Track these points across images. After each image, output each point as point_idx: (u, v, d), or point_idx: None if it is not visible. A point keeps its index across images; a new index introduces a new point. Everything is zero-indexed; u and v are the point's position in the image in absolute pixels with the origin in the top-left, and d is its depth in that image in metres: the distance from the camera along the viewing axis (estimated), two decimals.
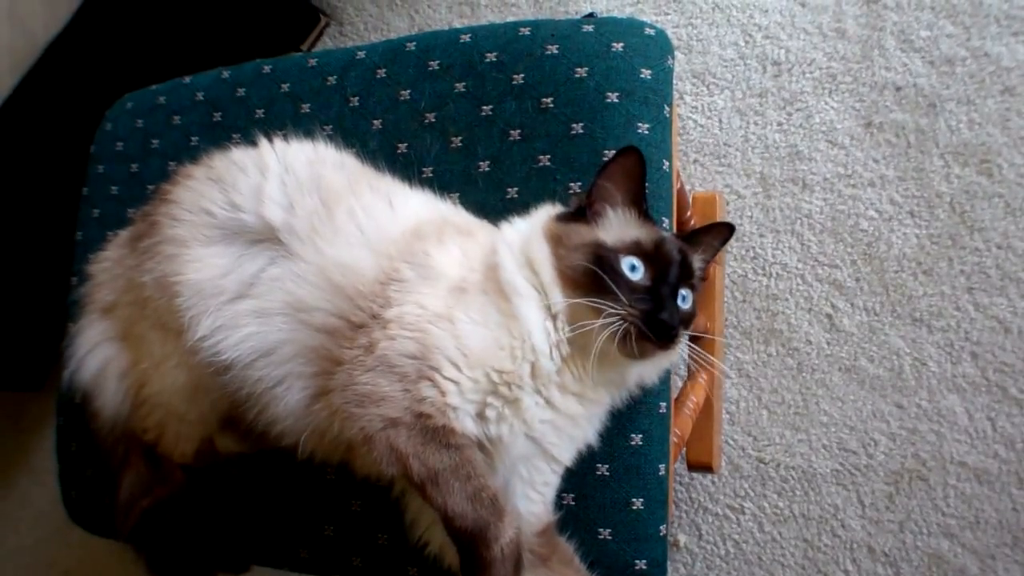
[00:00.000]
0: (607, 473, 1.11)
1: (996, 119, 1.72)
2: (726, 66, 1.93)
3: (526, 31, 1.24)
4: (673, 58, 1.21)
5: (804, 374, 1.74)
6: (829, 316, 1.75)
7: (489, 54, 1.24)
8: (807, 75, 1.87)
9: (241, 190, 1.11)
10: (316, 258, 1.04)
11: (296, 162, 1.13)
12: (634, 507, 1.09)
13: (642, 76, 1.16)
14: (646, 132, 1.16)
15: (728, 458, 1.76)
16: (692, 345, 1.08)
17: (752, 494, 1.74)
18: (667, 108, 1.19)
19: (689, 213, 1.47)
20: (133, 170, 1.49)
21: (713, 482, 1.76)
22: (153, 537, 1.21)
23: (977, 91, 1.74)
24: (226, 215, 1.11)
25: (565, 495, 1.11)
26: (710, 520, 1.76)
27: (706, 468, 1.63)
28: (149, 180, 1.45)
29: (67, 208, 1.89)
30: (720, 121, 1.90)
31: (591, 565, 1.10)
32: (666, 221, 1.15)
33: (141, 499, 1.21)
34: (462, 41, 1.27)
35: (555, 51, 1.20)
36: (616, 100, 1.16)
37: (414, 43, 1.29)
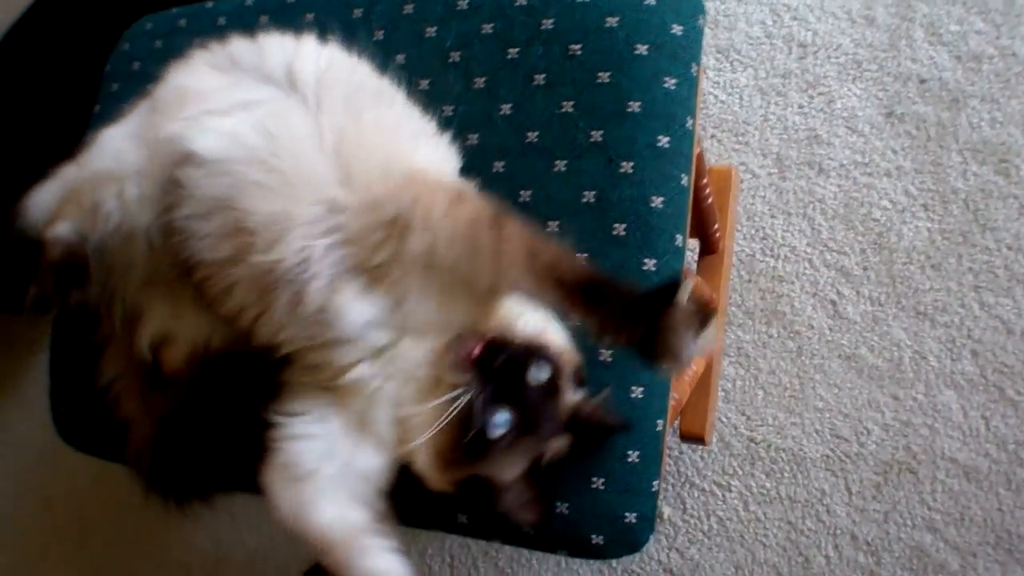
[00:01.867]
0: None
1: (1019, 119, 1.74)
2: (751, 44, 1.94)
3: None
4: (704, 18, 1.23)
5: (803, 358, 1.76)
6: (833, 302, 1.77)
7: None
8: (832, 60, 1.88)
9: (273, 53, 1.13)
10: (332, 129, 1.05)
11: (336, 55, 1.15)
12: (629, 459, 1.11)
13: (672, 31, 1.18)
14: (672, 87, 1.17)
15: (719, 435, 1.78)
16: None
17: (740, 473, 1.76)
18: (695, 66, 1.20)
19: (705, 181, 1.48)
20: (148, 91, 1.50)
21: (702, 457, 1.78)
22: (158, 455, 1.23)
23: (1002, 90, 1.76)
24: (251, 60, 1.13)
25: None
26: (696, 495, 1.78)
27: (698, 439, 1.65)
28: None
29: (75, 128, 1.90)
30: (741, 98, 1.92)
31: (581, 514, 1.12)
32: (685, 177, 1.16)
33: (143, 417, 1.23)
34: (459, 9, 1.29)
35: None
36: (645, 52, 1.18)
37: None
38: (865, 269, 1.77)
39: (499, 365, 0.97)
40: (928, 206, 1.76)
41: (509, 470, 1.03)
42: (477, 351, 0.97)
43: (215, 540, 2.17)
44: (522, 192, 1.19)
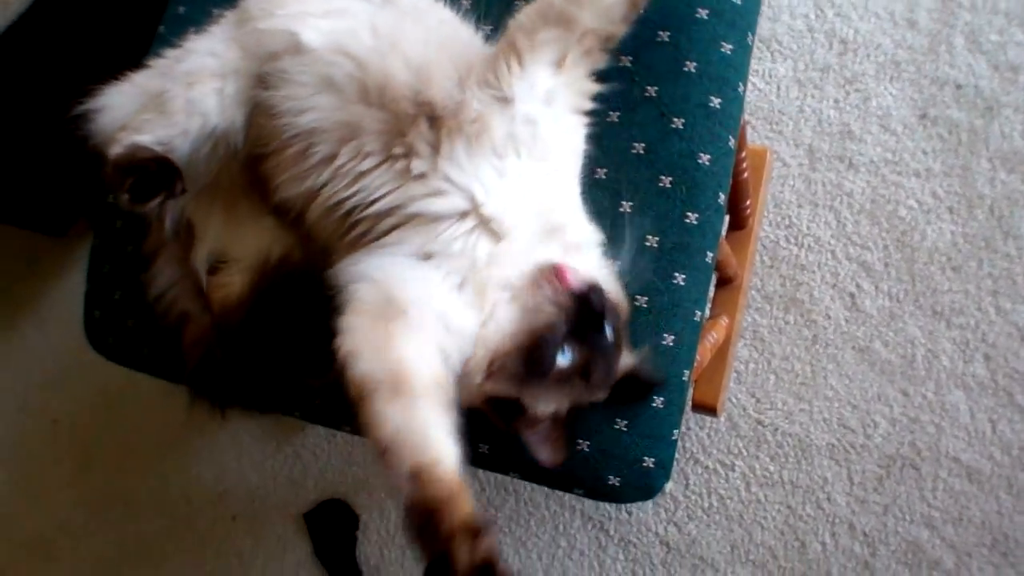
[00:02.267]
0: (645, 305, 1.16)
1: None
2: (793, 36, 1.97)
3: None
4: (753, 36, 1.26)
5: (817, 346, 1.79)
6: (852, 295, 1.80)
7: None
8: (871, 58, 1.92)
9: None
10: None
11: None
12: (654, 404, 1.14)
13: (723, 49, 1.22)
14: (728, 52, 1.21)
15: (728, 415, 1.81)
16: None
17: (745, 454, 1.79)
18: (750, 35, 1.24)
19: (743, 155, 1.51)
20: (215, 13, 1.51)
21: (708, 436, 1.81)
22: (209, 355, 1.25)
23: None
24: None
25: None
26: (699, 472, 1.81)
27: (711, 410, 1.68)
28: None
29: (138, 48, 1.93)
30: (778, 88, 1.95)
31: (601, 453, 1.15)
32: (732, 139, 1.19)
33: (202, 314, 1.25)
34: None
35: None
36: (705, 16, 1.21)
37: None
38: (886, 265, 1.80)
39: (593, 308, 1.01)
40: (953, 209, 1.79)
41: (548, 405, 1.06)
42: (579, 286, 1.01)
43: (218, 474, 2.19)
44: None
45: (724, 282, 1.69)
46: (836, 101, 1.92)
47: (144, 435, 2.28)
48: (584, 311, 1.01)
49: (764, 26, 1.99)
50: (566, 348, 1.02)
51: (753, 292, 1.85)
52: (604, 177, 1.19)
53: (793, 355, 1.81)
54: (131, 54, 1.65)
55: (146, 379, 1.47)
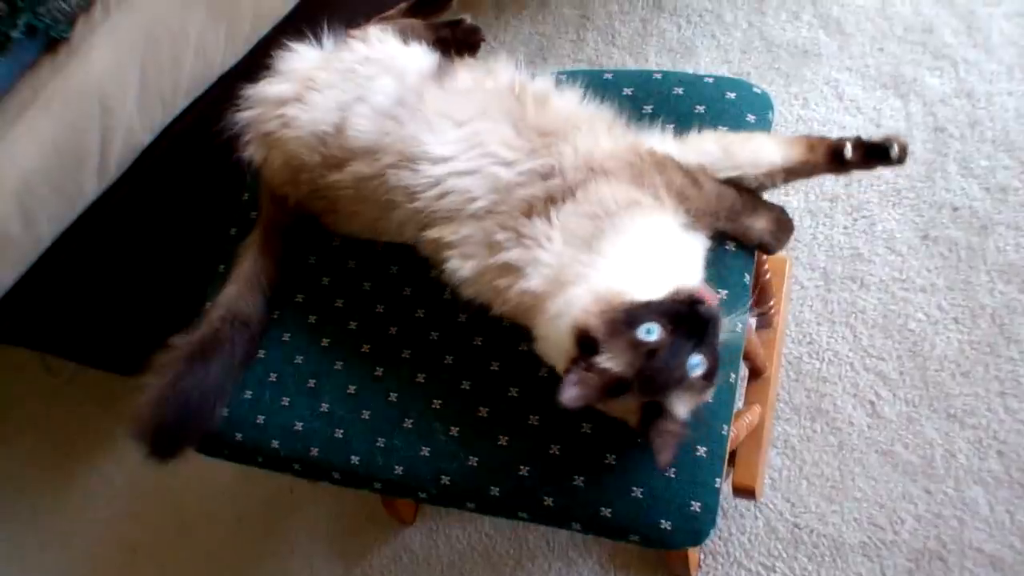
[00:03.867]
0: None
1: None
2: None
3: (658, 76, 1.59)
4: (773, 113, 1.54)
5: (844, 452, 2.01)
6: (872, 403, 2.02)
7: (627, 89, 1.58)
8: (875, 187, 2.18)
9: None
10: None
11: None
12: (697, 453, 1.34)
13: (748, 119, 1.50)
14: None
15: (766, 520, 2.02)
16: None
17: (784, 555, 1.99)
18: None
19: (764, 258, 1.76)
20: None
21: (750, 540, 2.02)
22: None
23: None
24: None
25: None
26: (743, 575, 2.02)
27: (749, 493, 1.89)
28: None
29: (209, 211, 2.24)
30: (793, 219, 2.21)
31: (653, 499, 1.35)
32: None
33: None
34: (605, 78, 1.61)
35: (680, 92, 1.55)
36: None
37: (564, 75, 1.58)
38: (901, 374, 2.02)
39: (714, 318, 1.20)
40: (959, 320, 2.02)
41: (686, 408, 1.24)
42: (709, 300, 1.22)
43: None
44: None
45: (755, 375, 1.97)
46: (845, 227, 2.18)
47: (220, 560, 2.53)
48: (703, 323, 1.19)
49: None
50: (697, 355, 1.18)
51: (781, 404, 2.08)
52: None
53: (822, 461, 2.02)
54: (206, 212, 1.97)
55: (220, 505, 1.72)
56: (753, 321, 2.03)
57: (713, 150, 1.39)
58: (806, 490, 2.02)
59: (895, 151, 1.35)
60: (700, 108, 1.53)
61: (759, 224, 1.42)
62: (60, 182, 2.07)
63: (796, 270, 2.17)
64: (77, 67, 2.03)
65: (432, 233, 1.41)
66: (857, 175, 2.21)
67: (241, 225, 1.83)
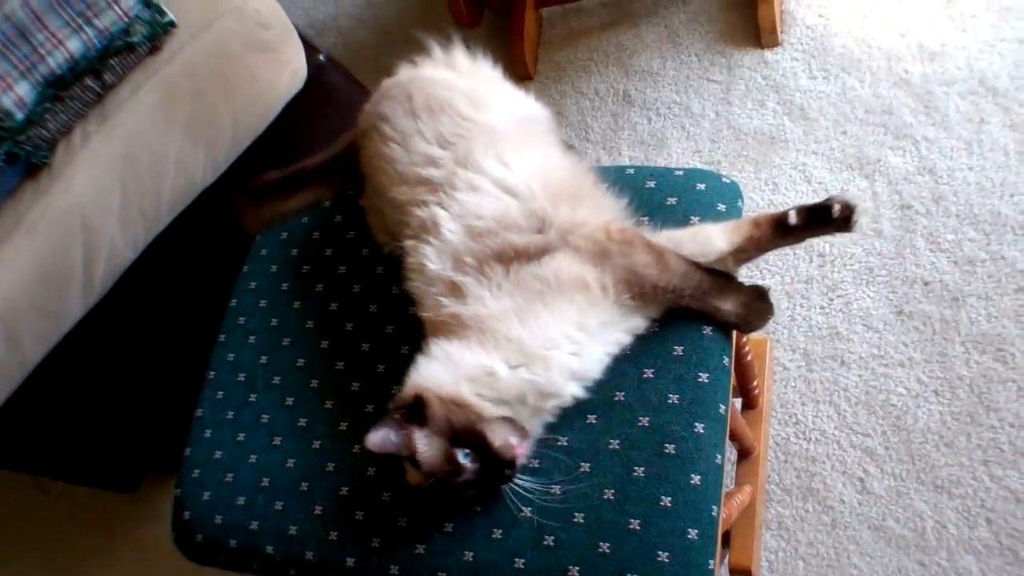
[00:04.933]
0: (669, 504, 1.39)
1: (1011, 314, 2.10)
2: (776, 254, 2.35)
3: (631, 171, 1.68)
4: (743, 200, 1.63)
5: (837, 530, 2.06)
6: (861, 479, 2.08)
7: (602, 185, 1.64)
8: (848, 267, 2.28)
9: None
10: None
11: None
12: (689, 536, 1.37)
13: (719, 208, 1.58)
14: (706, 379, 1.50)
15: None
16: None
17: None
18: (727, 359, 1.55)
19: (745, 340, 1.84)
20: (283, 288, 1.88)
21: None
22: None
23: (995, 289, 2.13)
24: None
25: (631, 520, 1.40)
26: None
27: (745, 572, 1.95)
28: (298, 297, 1.86)
29: (199, 324, 2.32)
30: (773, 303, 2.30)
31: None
32: (723, 407, 1.49)
33: None
34: None
35: (652, 185, 1.64)
36: (697, 221, 1.58)
37: None
38: (887, 448, 2.09)
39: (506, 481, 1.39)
40: (938, 391, 2.09)
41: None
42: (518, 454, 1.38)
43: None
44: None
45: (744, 455, 2.05)
46: (822, 307, 2.27)
47: None
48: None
49: None
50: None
51: (772, 486, 2.14)
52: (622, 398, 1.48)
53: (816, 540, 2.07)
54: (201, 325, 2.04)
55: None
56: (738, 402, 2.11)
57: (667, 244, 1.49)
58: (803, 571, 2.06)
59: (836, 210, 1.41)
60: (672, 200, 1.62)
61: (726, 306, 1.49)
62: (45, 303, 2.14)
63: (777, 352, 2.25)
64: (59, 191, 2.11)
65: (429, 210, 1.53)
66: (830, 256, 2.30)
67: (230, 332, 1.90)
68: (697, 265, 1.46)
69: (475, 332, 1.39)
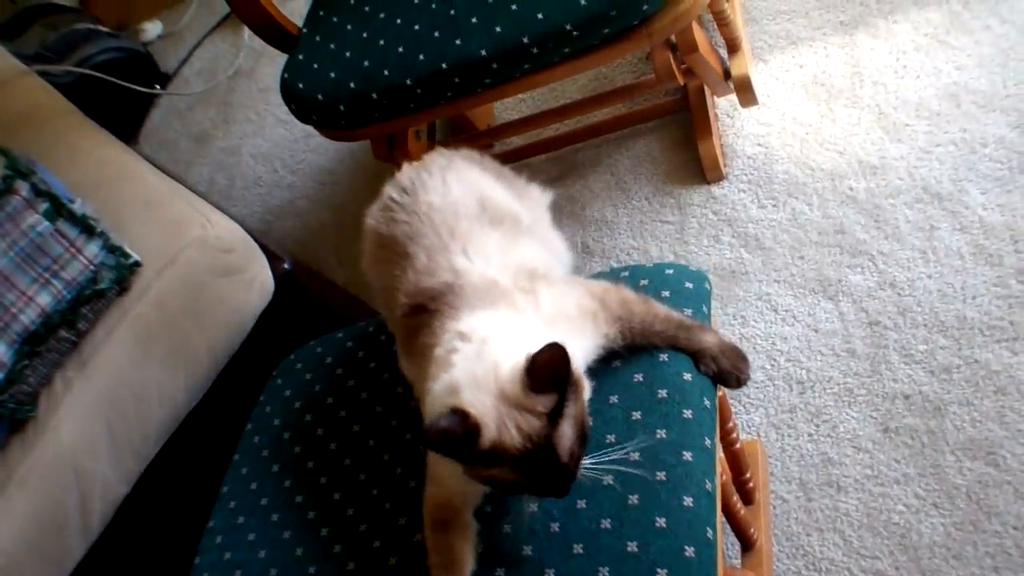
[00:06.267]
0: (665, 525, 1.46)
1: (994, 416, 2.15)
2: (757, 387, 2.41)
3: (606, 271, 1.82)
4: (710, 284, 1.77)
5: None
6: None
7: None
8: (828, 391, 2.33)
9: None
10: None
11: None
12: (686, 554, 1.43)
13: (687, 286, 1.73)
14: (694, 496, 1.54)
15: None
16: None
17: None
18: (706, 307, 1.74)
19: (735, 435, 1.94)
20: (285, 437, 1.94)
21: None
22: None
23: (974, 393, 2.19)
24: None
25: (629, 543, 1.46)
26: None
27: None
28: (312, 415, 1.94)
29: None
30: (758, 435, 2.35)
31: None
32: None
33: None
34: None
35: (626, 275, 1.77)
36: (668, 295, 1.72)
37: None
38: (897, 568, 2.11)
39: None
40: (937, 504, 2.13)
41: None
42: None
43: None
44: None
45: (747, 547, 2.11)
46: (810, 435, 2.31)
47: None
48: None
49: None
50: None
51: None
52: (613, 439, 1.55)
53: None
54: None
55: None
56: (737, 498, 2.13)
57: None
58: None
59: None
60: (644, 282, 1.75)
61: (708, 339, 1.63)
62: (44, 550, 2.18)
63: (774, 485, 2.29)
64: (46, 441, 2.18)
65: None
66: (808, 382, 2.37)
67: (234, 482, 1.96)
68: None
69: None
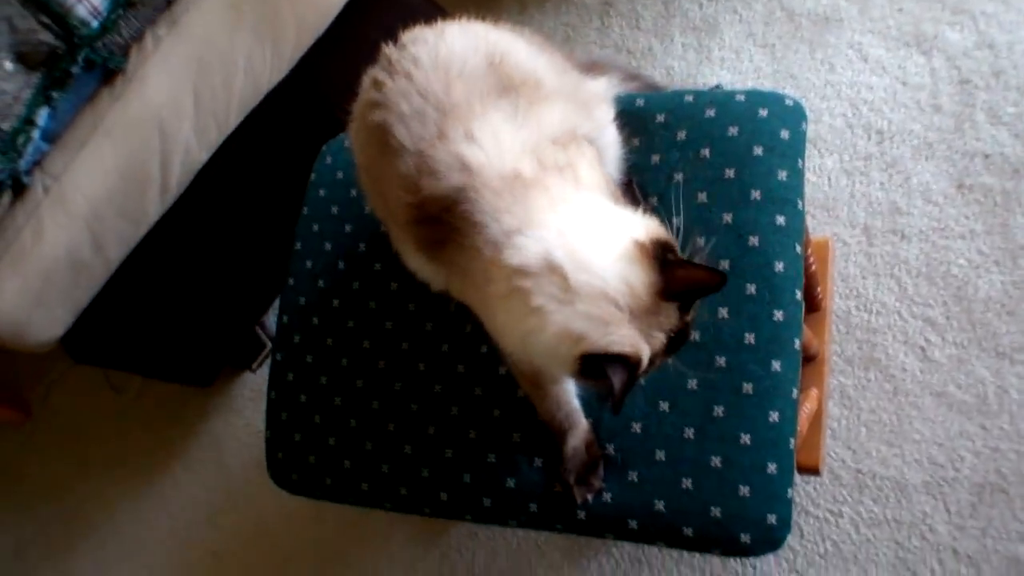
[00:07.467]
0: (749, 442, 1.49)
1: None
2: (835, 133, 2.39)
3: (690, 98, 1.69)
4: (807, 122, 1.64)
5: (899, 397, 2.15)
6: (922, 348, 2.17)
7: (659, 116, 1.69)
8: (907, 143, 2.32)
9: None
10: None
11: None
12: (769, 470, 1.47)
13: (782, 136, 1.60)
14: (784, 179, 1.58)
15: (830, 468, 2.17)
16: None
17: (850, 500, 2.14)
18: (800, 161, 1.61)
19: (809, 251, 1.91)
20: (352, 195, 1.93)
21: (815, 489, 2.17)
22: None
23: None
24: None
25: (712, 457, 1.50)
26: (811, 522, 2.17)
27: (813, 471, 2.05)
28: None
29: (267, 221, 2.39)
30: (829, 179, 2.36)
31: (730, 518, 1.48)
32: (798, 247, 1.56)
33: None
34: (637, 105, 1.72)
35: (712, 114, 1.65)
36: (760, 153, 1.59)
37: None
38: (948, 318, 2.17)
39: None
40: (999, 262, 2.16)
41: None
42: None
43: None
44: None
45: (808, 360, 2.10)
46: (881, 183, 2.32)
47: (302, 555, 2.71)
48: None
49: (809, 128, 2.40)
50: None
51: (835, 358, 2.22)
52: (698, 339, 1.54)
53: (879, 407, 2.17)
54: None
55: (297, 503, 1.88)
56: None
57: None
58: (865, 436, 2.17)
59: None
60: (734, 130, 1.63)
61: None
62: (125, 206, 2.22)
63: (837, 228, 2.32)
64: (134, 96, 2.19)
65: None
66: (888, 132, 2.35)
67: (306, 240, 1.97)
68: None
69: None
